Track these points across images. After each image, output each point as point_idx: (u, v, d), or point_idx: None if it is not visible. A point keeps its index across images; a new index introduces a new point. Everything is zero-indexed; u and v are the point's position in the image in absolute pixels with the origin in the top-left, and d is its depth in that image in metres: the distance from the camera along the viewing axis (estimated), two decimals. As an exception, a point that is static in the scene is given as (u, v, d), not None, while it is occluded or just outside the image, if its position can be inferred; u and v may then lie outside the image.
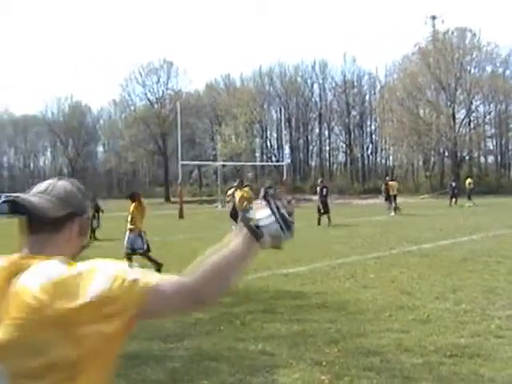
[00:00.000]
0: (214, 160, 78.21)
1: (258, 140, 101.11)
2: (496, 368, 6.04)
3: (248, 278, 10.83)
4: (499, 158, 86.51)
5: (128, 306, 1.73)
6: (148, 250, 13.20)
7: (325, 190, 28.04)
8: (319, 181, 30.29)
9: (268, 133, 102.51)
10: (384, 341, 7.22)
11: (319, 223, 26.80)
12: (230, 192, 25.26)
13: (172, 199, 76.21)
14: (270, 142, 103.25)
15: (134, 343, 7.31)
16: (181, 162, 42.52)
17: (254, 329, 8.11)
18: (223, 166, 67.17)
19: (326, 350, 6.84)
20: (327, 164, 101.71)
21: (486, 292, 10.05)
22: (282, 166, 52.85)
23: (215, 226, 26.85)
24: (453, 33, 75.11)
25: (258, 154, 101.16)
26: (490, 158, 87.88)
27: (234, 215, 24.62)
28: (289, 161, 50.12)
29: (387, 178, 40.51)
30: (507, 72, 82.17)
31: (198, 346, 7.30)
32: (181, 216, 36.80)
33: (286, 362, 6.30)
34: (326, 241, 20.12)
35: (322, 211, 27.11)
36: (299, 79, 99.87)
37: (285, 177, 51.37)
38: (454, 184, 43.28)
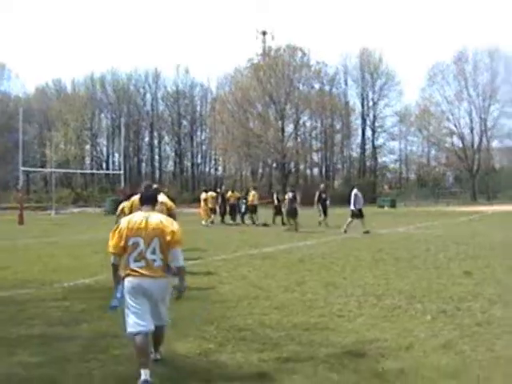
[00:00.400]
0: (42, 166, 77.08)
1: (88, 147, 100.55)
2: (341, 336, 7.73)
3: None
4: (324, 169, 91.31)
5: None
6: None
7: None
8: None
9: (98, 140, 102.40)
10: (249, 321, 8.68)
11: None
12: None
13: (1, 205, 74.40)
14: (101, 149, 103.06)
15: (37, 328, 8.43)
16: (21, 168, 41.89)
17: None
18: (54, 172, 66.30)
19: (205, 328, 8.24)
20: (158, 172, 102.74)
21: (325, 285, 11.78)
22: (120, 174, 53.06)
23: (60, 231, 27.64)
24: (284, 50, 78.20)
25: (88, 162, 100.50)
26: (315, 170, 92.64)
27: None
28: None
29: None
30: (334, 90, 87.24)
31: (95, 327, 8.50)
32: (21, 222, 35.63)
33: (174, 337, 7.60)
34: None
35: None
36: (132, 87, 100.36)
37: (122, 185, 51.73)
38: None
